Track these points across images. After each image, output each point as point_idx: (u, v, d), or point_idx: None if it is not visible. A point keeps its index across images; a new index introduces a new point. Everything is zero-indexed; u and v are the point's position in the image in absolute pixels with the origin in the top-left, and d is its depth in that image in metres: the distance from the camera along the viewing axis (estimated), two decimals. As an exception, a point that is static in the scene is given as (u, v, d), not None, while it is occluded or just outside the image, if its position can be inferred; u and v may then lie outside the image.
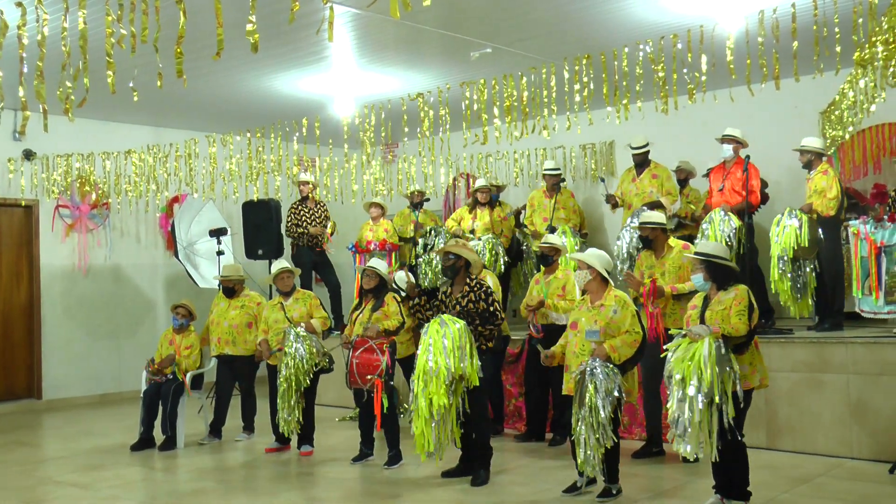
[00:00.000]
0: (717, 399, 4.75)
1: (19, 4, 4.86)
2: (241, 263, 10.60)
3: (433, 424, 5.86)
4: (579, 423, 5.38)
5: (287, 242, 11.06)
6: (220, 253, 10.59)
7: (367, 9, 6.97)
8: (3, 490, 6.56)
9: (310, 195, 10.72)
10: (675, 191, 8.74)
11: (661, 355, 5.11)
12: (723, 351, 4.83)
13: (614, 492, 5.68)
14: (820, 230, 7.37)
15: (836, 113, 7.89)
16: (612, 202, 9.11)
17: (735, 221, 7.60)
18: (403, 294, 7.43)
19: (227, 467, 7.36)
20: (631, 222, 8.45)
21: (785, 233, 7.27)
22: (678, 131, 9.92)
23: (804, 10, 6.44)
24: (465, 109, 8.62)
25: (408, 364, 8.23)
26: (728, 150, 8.20)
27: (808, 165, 7.70)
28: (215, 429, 8.33)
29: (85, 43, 4.70)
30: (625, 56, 7.49)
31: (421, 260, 9.98)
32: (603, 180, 10.06)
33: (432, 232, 10.07)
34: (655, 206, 8.47)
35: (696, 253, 5.37)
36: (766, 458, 6.74)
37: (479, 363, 6.01)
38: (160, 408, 7.98)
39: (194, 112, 11.19)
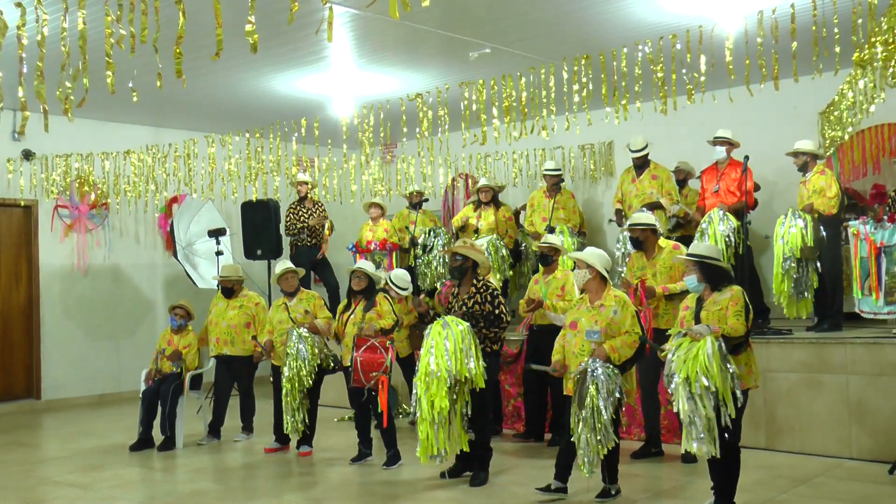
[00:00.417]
0: (721, 398, 4.76)
1: (19, 5, 4.86)
2: (240, 264, 10.59)
3: (435, 427, 5.85)
4: (580, 424, 5.37)
5: (286, 243, 11.06)
6: (218, 253, 10.59)
7: (366, 9, 6.96)
8: (2, 490, 6.56)
9: (308, 195, 10.72)
10: (675, 191, 8.75)
11: (661, 355, 5.10)
12: (724, 350, 4.84)
13: (613, 492, 5.68)
14: (822, 230, 7.38)
15: (836, 113, 7.89)
16: (619, 221, 9.07)
17: (734, 222, 7.61)
18: (404, 294, 7.45)
19: (226, 468, 7.36)
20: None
21: (791, 233, 7.27)
22: (677, 132, 9.92)
23: (803, 11, 6.44)
24: (464, 110, 8.62)
25: (405, 364, 8.25)
26: (721, 151, 8.23)
27: (804, 168, 7.71)
28: (214, 429, 8.34)
29: (84, 43, 4.70)
30: (624, 56, 7.49)
31: (420, 261, 9.98)
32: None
33: (431, 233, 10.06)
34: (655, 206, 8.48)
35: (688, 254, 5.36)
36: (765, 459, 6.74)
37: (485, 364, 6.00)
38: (159, 408, 7.98)
39: (193, 112, 11.19)
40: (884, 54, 5.92)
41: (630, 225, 6.99)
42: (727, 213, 7.70)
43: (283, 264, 7.88)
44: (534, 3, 7.26)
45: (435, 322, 6.04)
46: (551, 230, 9.11)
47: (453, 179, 12.33)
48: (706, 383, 4.73)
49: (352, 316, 7.09)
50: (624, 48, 7.48)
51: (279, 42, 7.99)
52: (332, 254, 11.32)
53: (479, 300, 6.19)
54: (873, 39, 6.02)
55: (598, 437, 5.31)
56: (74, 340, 11.24)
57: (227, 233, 10.98)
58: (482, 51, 8.48)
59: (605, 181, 11.33)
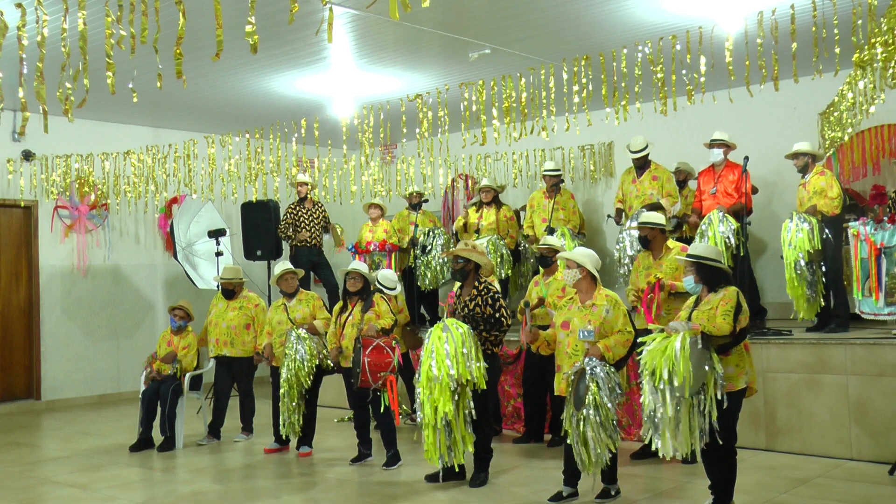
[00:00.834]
0: (687, 395, 4.71)
1: (19, 5, 4.86)
2: (240, 264, 10.60)
3: (438, 432, 5.86)
4: (581, 424, 5.35)
5: (285, 243, 11.05)
6: (218, 254, 10.59)
7: (366, 10, 6.97)
8: (2, 490, 6.56)
9: (307, 195, 10.72)
10: (676, 192, 8.75)
11: (638, 349, 5.09)
12: (699, 346, 4.76)
13: (613, 493, 5.68)
14: (826, 230, 7.37)
15: (836, 114, 7.89)
16: (618, 218, 9.07)
17: (733, 223, 7.61)
18: (393, 294, 7.47)
19: (225, 468, 7.36)
20: (630, 224, 8.45)
21: (798, 237, 7.26)
22: (677, 132, 9.93)
23: (803, 12, 6.44)
24: (464, 110, 8.62)
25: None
26: (718, 153, 8.24)
27: (804, 169, 7.71)
28: (214, 429, 8.34)
29: (85, 44, 4.70)
30: (624, 57, 7.49)
31: (419, 262, 9.98)
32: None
33: (430, 233, 10.06)
34: (655, 207, 8.48)
35: (687, 255, 5.34)
36: (765, 459, 6.75)
37: (486, 366, 6.00)
38: (159, 408, 7.98)
39: (193, 113, 11.19)
40: (884, 55, 5.92)
41: (639, 223, 6.97)
42: (727, 215, 7.70)
43: (282, 265, 7.88)
44: (534, 4, 7.26)
45: (435, 326, 6.04)
46: (551, 231, 9.11)
47: (453, 180, 12.33)
48: (666, 377, 4.69)
49: (349, 318, 7.09)
50: (624, 49, 7.49)
51: (279, 43, 8.00)
52: (331, 254, 11.32)
53: (480, 303, 6.18)
54: (873, 40, 6.02)
55: (608, 434, 5.31)
56: (74, 341, 11.24)
57: (227, 233, 10.99)
58: (482, 51, 8.49)
59: (605, 182, 11.34)
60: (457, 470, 6.13)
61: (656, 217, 6.90)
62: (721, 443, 4.86)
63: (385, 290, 7.47)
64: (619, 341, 5.50)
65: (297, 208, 10.66)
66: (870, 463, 6.51)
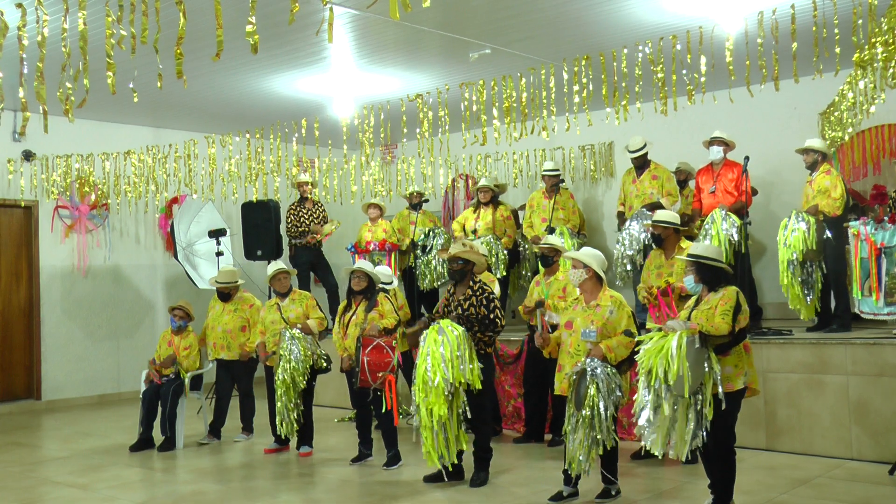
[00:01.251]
0: (687, 395, 4.71)
1: (19, 5, 4.86)
2: (240, 264, 10.61)
3: (434, 433, 5.87)
4: (577, 424, 5.37)
5: (286, 243, 11.05)
6: (219, 254, 10.59)
7: (366, 10, 6.97)
8: (2, 490, 6.56)
9: (308, 195, 10.72)
10: (676, 192, 8.73)
11: (636, 348, 5.09)
12: (696, 346, 4.75)
13: (613, 493, 5.68)
14: (827, 230, 7.37)
15: (836, 114, 7.89)
16: (619, 223, 9.05)
17: (736, 220, 7.61)
18: (390, 289, 7.49)
19: (226, 468, 7.36)
20: (630, 224, 8.45)
21: (794, 236, 7.26)
22: (677, 132, 9.93)
23: (803, 11, 6.44)
24: (464, 110, 8.63)
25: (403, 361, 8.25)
26: (718, 152, 8.24)
27: (813, 166, 7.69)
28: (214, 429, 8.34)
29: (85, 44, 4.70)
30: (624, 57, 7.49)
31: (420, 262, 9.98)
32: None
33: (431, 233, 10.06)
34: (655, 207, 8.47)
35: (687, 255, 5.34)
36: (765, 459, 6.75)
37: (481, 366, 6.00)
38: (159, 408, 7.98)
39: (194, 113, 11.20)
40: (884, 55, 5.92)
41: (653, 221, 6.96)
42: (729, 213, 7.70)
43: (275, 265, 7.90)
44: (534, 4, 7.26)
45: (430, 328, 6.03)
46: (551, 231, 9.11)
47: (453, 180, 12.34)
48: (661, 376, 4.69)
49: (353, 317, 7.09)
50: (624, 49, 7.49)
51: (280, 43, 8.00)
52: (331, 254, 11.32)
53: (475, 303, 6.18)
54: (873, 40, 6.02)
55: (599, 436, 5.31)
56: (75, 341, 11.25)
57: (228, 233, 10.98)
58: (482, 51, 8.49)
59: (606, 182, 11.34)
60: (450, 469, 6.13)
61: (671, 216, 6.87)
62: (712, 443, 4.85)
63: (383, 286, 7.51)
64: (622, 342, 5.49)
65: (299, 208, 10.67)
66: (870, 463, 6.51)
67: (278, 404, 7.32)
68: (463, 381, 5.86)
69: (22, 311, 10.95)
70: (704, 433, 4.78)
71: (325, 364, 7.50)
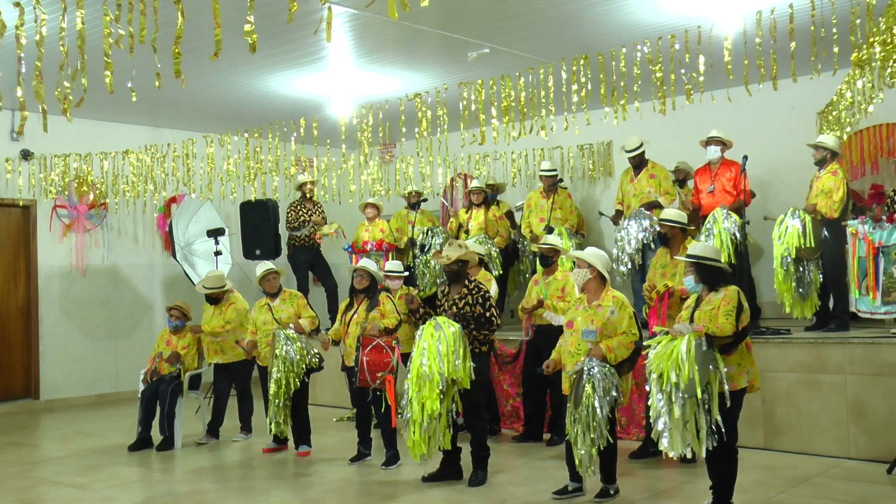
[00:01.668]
0: (698, 396, 4.72)
1: (17, 4, 4.86)
2: (239, 264, 10.61)
3: (423, 428, 5.86)
4: (575, 423, 5.37)
5: (284, 242, 11.04)
6: (217, 253, 10.59)
7: (364, 9, 6.97)
8: (0, 490, 6.55)
9: (310, 195, 10.71)
10: (674, 191, 8.74)
11: (644, 352, 5.10)
12: (704, 348, 4.78)
13: (612, 492, 5.68)
14: (825, 230, 7.37)
15: (834, 114, 7.90)
16: (616, 219, 9.06)
17: (737, 219, 7.62)
18: (403, 276, 7.53)
19: (224, 467, 7.36)
20: (628, 224, 8.45)
21: (788, 233, 7.27)
22: (676, 132, 9.93)
23: (802, 11, 6.45)
24: (462, 110, 8.63)
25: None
26: (715, 151, 8.25)
27: (822, 163, 7.66)
28: (213, 429, 8.34)
29: (83, 43, 4.70)
30: (622, 56, 7.50)
31: (418, 261, 9.97)
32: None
33: (429, 232, 10.06)
34: (653, 206, 8.48)
35: (687, 255, 5.35)
36: (763, 459, 6.75)
37: (474, 365, 6.01)
38: (158, 408, 7.98)
39: (192, 112, 11.19)
40: (882, 54, 5.92)
41: (660, 220, 6.96)
42: (730, 212, 7.70)
43: (264, 266, 7.89)
44: (533, 4, 7.26)
45: (427, 323, 6.04)
46: (550, 230, 9.11)
47: (452, 179, 12.33)
48: (674, 380, 4.71)
49: (355, 316, 7.09)
50: (623, 48, 7.49)
51: (278, 42, 7.99)
52: (329, 254, 11.32)
53: (471, 301, 6.18)
54: (871, 39, 6.03)
55: (592, 436, 5.31)
56: (73, 341, 11.24)
57: (226, 233, 10.98)
58: (481, 51, 8.49)
59: (604, 181, 11.34)
60: (425, 465, 6.12)
61: (678, 215, 6.85)
62: (725, 441, 4.87)
63: (398, 274, 7.58)
64: (623, 343, 5.50)
65: (299, 207, 10.66)
66: (868, 462, 6.51)
67: (271, 405, 7.32)
68: (456, 377, 5.86)
69: (20, 311, 10.95)
70: (715, 431, 4.80)
71: (317, 363, 7.50)
